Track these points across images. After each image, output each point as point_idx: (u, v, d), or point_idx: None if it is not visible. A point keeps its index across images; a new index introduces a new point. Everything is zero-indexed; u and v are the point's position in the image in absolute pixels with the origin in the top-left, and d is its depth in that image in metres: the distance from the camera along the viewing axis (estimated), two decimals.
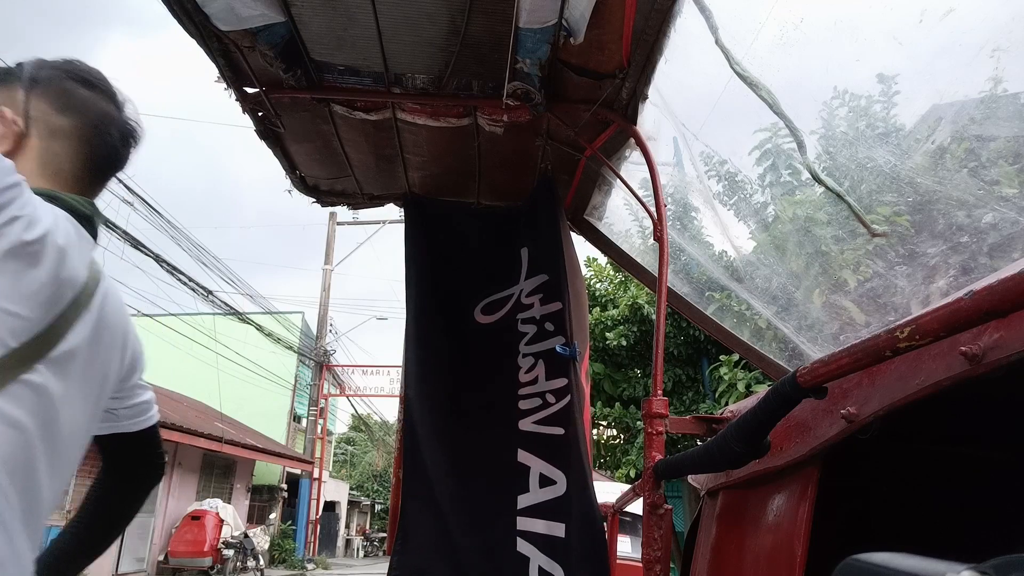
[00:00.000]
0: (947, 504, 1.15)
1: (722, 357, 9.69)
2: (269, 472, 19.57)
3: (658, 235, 1.62)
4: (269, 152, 1.90)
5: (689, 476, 1.56)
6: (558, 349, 1.78)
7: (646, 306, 11.22)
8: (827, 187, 1.38)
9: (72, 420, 0.91)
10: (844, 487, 1.10)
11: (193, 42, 1.44)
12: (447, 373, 2.03)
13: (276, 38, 1.38)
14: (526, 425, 1.90)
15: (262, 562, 13.53)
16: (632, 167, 1.84)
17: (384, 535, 27.24)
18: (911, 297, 1.51)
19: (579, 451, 1.75)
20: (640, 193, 1.82)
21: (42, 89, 1.06)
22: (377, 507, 32.80)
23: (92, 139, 1.09)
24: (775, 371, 1.89)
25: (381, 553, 26.70)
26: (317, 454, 17.42)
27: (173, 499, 13.25)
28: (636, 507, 1.83)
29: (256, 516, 18.28)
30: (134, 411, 1.09)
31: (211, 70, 1.56)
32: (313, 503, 17.95)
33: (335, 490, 24.61)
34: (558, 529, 1.75)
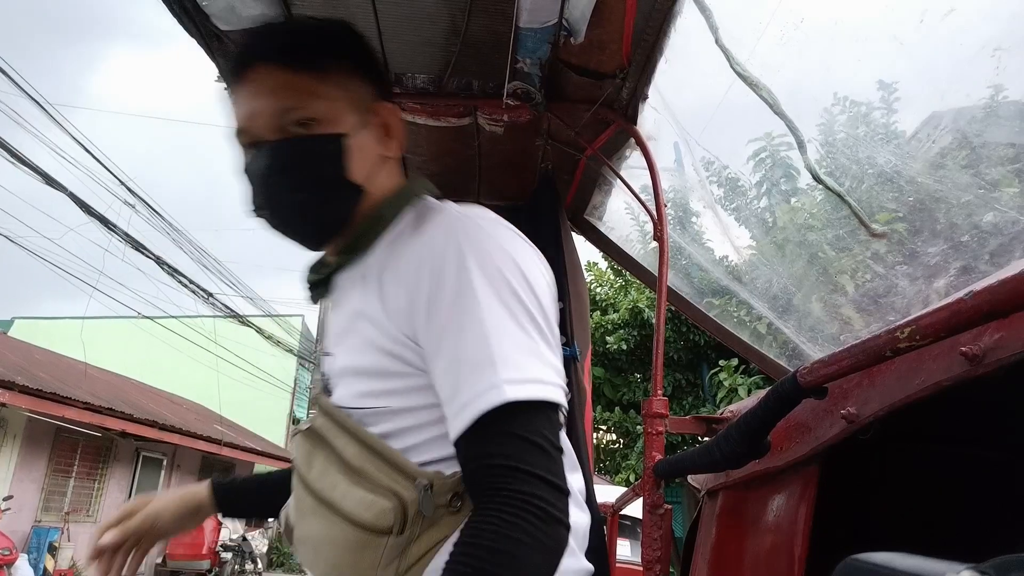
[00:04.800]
0: (947, 504, 1.14)
1: (721, 362, 9.69)
2: None
3: (658, 235, 1.62)
4: None
5: (689, 476, 1.56)
6: None
7: (646, 310, 11.22)
8: (827, 187, 1.38)
9: None
10: (844, 487, 1.09)
11: (194, 47, 1.44)
12: None
13: None
14: None
15: (260, 565, 13.49)
16: (632, 167, 1.84)
17: None
18: (911, 298, 1.50)
19: (580, 453, 1.75)
20: (641, 195, 1.82)
21: (375, 73, 0.91)
22: None
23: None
24: (775, 371, 1.88)
25: None
26: None
27: None
28: (635, 511, 1.82)
29: (255, 519, 18.20)
30: None
31: (211, 77, 1.56)
32: None
33: None
34: None
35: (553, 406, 0.69)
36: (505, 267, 0.72)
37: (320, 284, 0.89)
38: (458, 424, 0.67)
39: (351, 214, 0.85)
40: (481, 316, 0.68)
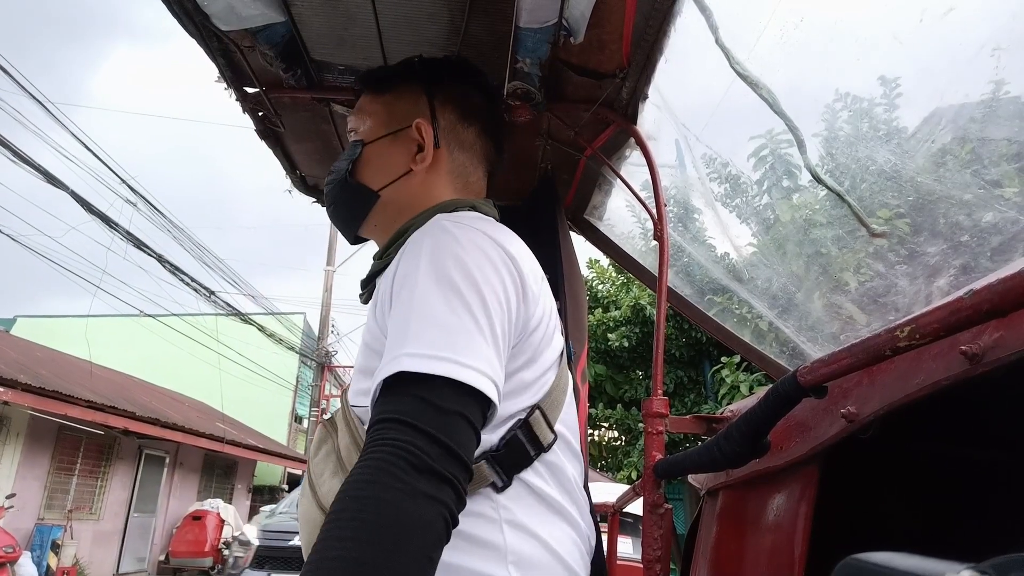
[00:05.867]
0: (947, 504, 1.14)
1: (723, 359, 9.69)
2: (270, 472, 19.57)
3: (658, 234, 1.62)
4: (270, 153, 1.90)
5: (689, 476, 1.56)
6: None
7: (648, 307, 11.22)
8: (827, 187, 1.38)
9: None
10: (844, 487, 1.10)
11: (194, 48, 1.44)
12: None
13: (276, 38, 1.38)
14: None
15: None
16: (633, 167, 1.84)
17: None
18: (912, 297, 1.50)
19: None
20: (641, 194, 1.82)
21: (446, 96, 1.04)
22: None
23: (488, 148, 1.08)
24: (776, 371, 1.88)
25: None
26: None
27: (174, 499, 13.26)
28: (637, 508, 1.82)
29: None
30: None
31: (211, 78, 1.56)
32: None
33: None
34: None
35: (462, 386, 0.66)
36: (452, 263, 0.74)
37: (366, 285, 0.99)
38: (373, 397, 0.69)
39: (360, 212, 1.01)
40: (413, 305, 0.71)
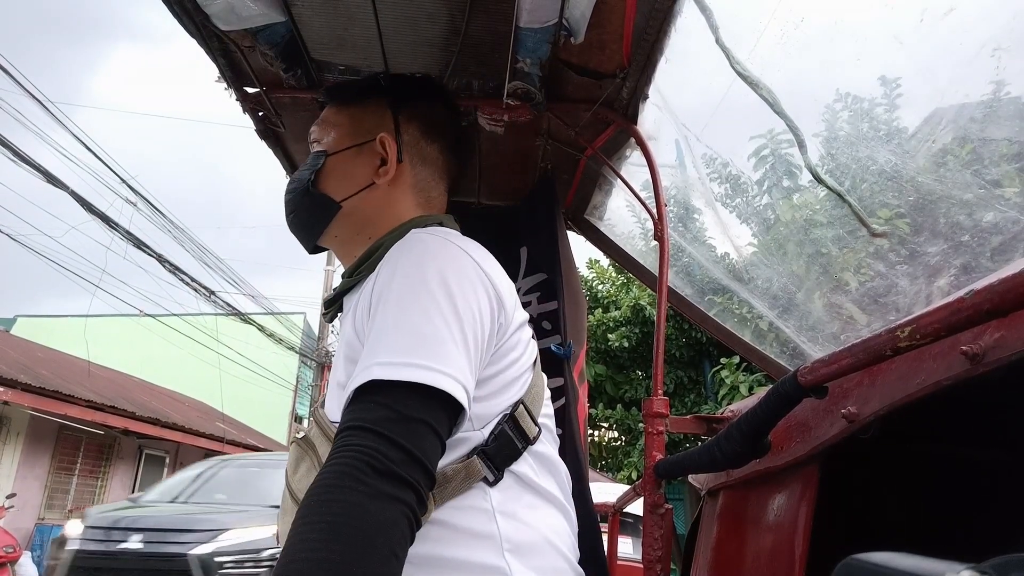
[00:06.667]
0: (947, 504, 1.14)
1: (723, 360, 9.69)
2: None
3: (659, 234, 1.62)
4: (270, 153, 1.90)
5: (689, 476, 1.56)
6: (553, 348, 1.77)
7: (648, 307, 11.22)
8: (828, 187, 1.38)
9: None
10: (844, 487, 1.10)
11: (195, 49, 1.44)
12: None
13: (276, 38, 1.38)
14: None
15: None
16: (633, 168, 1.84)
17: None
18: (912, 297, 1.50)
19: (575, 452, 1.75)
20: (641, 194, 1.82)
21: (411, 112, 1.06)
22: None
23: (451, 164, 1.10)
24: (776, 371, 1.88)
25: None
26: None
27: None
28: (637, 508, 1.82)
29: None
30: None
31: (211, 78, 1.56)
32: None
33: None
34: None
35: (431, 390, 0.68)
36: (429, 275, 0.76)
37: (331, 303, 1.00)
38: (344, 405, 0.70)
39: (321, 222, 1.01)
40: (389, 315, 0.73)
